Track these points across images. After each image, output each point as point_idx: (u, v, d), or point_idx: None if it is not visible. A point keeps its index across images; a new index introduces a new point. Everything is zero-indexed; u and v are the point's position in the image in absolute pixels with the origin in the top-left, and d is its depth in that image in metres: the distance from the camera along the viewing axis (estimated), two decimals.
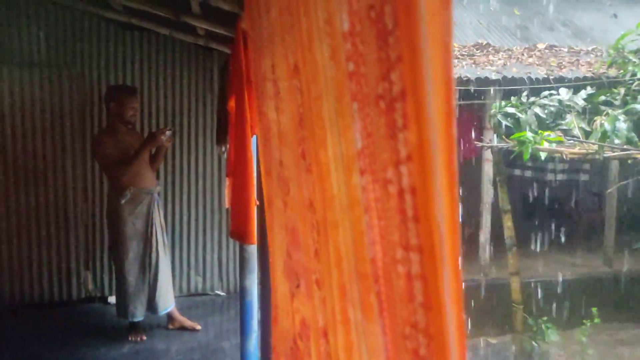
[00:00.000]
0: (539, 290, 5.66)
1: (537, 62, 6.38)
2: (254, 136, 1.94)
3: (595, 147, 3.90)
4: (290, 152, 0.79)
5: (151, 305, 3.39)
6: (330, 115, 0.59)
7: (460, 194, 0.52)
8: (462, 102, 5.82)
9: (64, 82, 3.89)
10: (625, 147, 3.83)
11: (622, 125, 3.80)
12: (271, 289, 1.21)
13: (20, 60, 3.84)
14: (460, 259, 0.38)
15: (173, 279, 3.73)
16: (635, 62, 5.52)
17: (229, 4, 2.17)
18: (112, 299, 4.02)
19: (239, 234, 1.91)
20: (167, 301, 3.45)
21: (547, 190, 6.62)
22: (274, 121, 0.89)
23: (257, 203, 1.83)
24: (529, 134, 3.99)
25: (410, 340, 0.43)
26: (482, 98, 5.85)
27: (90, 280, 4.12)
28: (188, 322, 3.61)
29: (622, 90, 4.79)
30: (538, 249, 6.31)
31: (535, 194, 6.53)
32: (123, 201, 3.25)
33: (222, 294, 4.36)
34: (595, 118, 4.25)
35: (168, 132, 3.29)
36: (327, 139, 0.61)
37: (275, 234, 0.95)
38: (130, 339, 3.39)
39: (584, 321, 4.99)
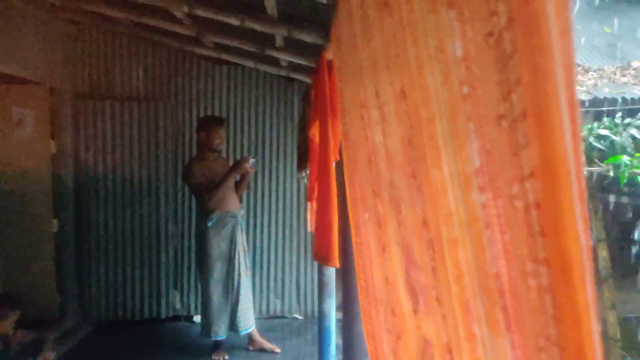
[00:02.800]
0: (639, 326, 5.16)
1: (632, 82, 5.98)
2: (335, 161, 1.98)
3: None
4: (400, 172, 0.82)
5: (233, 325, 3.50)
6: (445, 136, 0.61)
7: None
8: None
9: (159, 113, 4.21)
10: None
11: None
12: (363, 312, 1.21)
13: (122, 94, 4.22)
14: (590, 271, 0.38)
15: (253, 301, 3.84)
16: None
17: (312, 37, 2.27)
18: (197, 318, 4.20)
19: (322, 256, 1.95)
20: (248, 321, 3.55)
21: None
22: (381, 144, 0.92)
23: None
24: (625, 158, 3.73)
25: (546, 352, 0.44)
26: None
27: (177, 300, 4.34)
28: (268, 344, 3.68)
29: None
30: (637, 282, 5.77)
31: (633, 222, 6.02)
32: (210, 224, 3.43)
33: (300, 317, 4.41)
34: None
35: (252, 160, 3.45)
36: (442, 159, 0.63)
37: (390, 253, 0.98)
38: (213, 358, 3.51)
39: None
